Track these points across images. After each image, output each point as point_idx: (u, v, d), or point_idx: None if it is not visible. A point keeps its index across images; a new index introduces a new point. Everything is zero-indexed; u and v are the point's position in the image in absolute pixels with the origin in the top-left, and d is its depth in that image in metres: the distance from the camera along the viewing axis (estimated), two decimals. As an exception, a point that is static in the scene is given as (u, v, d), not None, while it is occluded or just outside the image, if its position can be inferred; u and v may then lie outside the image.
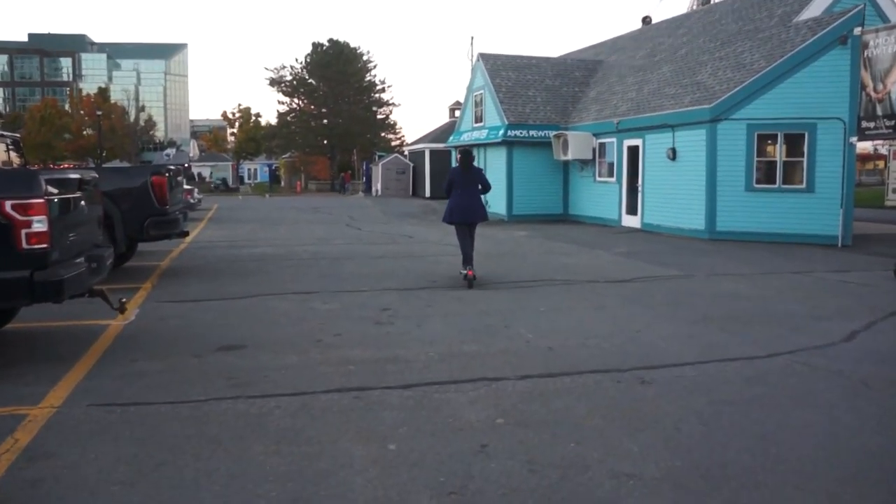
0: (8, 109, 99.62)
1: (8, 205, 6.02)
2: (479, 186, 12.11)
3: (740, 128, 18.14)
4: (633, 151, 22.05)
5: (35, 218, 6.10)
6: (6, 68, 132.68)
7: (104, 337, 7.83)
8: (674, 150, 19.79)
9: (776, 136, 17.99)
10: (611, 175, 23.30)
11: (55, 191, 6.55)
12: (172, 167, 13.12)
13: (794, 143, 17.97)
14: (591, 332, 8.02)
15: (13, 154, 12.22)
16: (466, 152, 12.44)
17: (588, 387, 5.96)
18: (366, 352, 7.14)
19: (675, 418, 5.22)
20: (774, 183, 18.06)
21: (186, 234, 13.61)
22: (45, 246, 6.17)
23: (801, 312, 9.33)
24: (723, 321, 8.63)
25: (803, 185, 17.81)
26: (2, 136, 12.55)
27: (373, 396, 5.72)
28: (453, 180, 12.08)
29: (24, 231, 6.05)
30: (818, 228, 17.57)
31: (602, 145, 23.80)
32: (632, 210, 22.18)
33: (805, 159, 17.75)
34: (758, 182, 18.18)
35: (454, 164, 29.99)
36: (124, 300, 7.57)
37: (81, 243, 7.20)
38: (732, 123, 18.18)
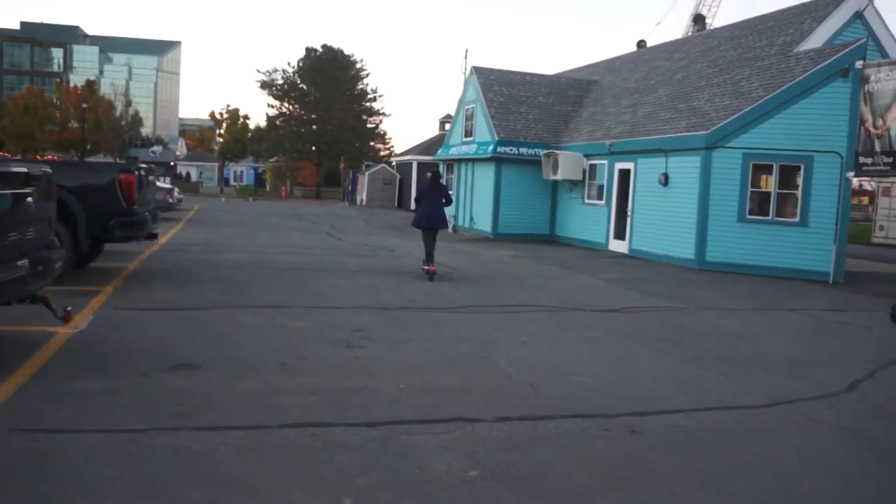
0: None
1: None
2: (444, 200, 14.48)
3: (736, 156, 17.70)
4: (625, 175, 21.58)
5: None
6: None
7: (47, 347, 7.16)
8: (666, 176, 19.33)
9: (772, 166, 17.55)
10: (600, 198, 22.81)
11: (-3, 185, 5.93)
12: (143, 165, 12.48)
13: (789, 175, 17.54)
14: (576, 368, 7.44)
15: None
16: (436, 173, 15.37)
17: (574, 435, 5.37)
18: (331, 379, 6.53)
19: (670, 480, 4.63)
20: (768, 215, 17.61)
21: (156, 236, 12.96)
22: None
23: (799, 355, 8.81)
24: (717, 362, 8.07)
25: (797, 219, 17.37)
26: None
27: (332, 435, 5.11)
28: (422, 193, 14.74)
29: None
30: (810, 264, 17.12)
31: (593, 167, 23.32)
32: (620, 235, 21.69)
33: (800, 192, 17.31)
34: (751, 213, 17.72)
35: (442, 175, 29.55)
36: (69, 308, 6.92)
37: (26, 244, 6.55)
38: (728, 151, 17.74)
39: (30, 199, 6.55)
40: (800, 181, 17.37)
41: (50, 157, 64.87)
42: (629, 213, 21.11)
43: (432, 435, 5.21)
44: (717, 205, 17.81)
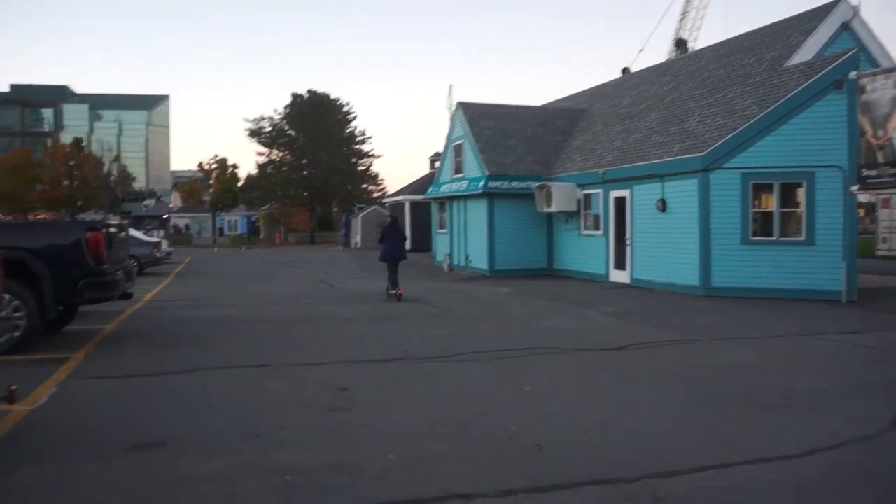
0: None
1: None
2: (402, 240, 18.60)
3: (734, 177, 17.10)
4: (621, 202, 20.96)
5: None
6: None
7: (-4, 429, 6.43)
8: (663, 201, 18.71)
9: (772, 185, 16.94)
10: (597, 228, 22.17)
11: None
12: (113, 222, 11.81)
13: (791, 193, 16.93)
14: (586, 420, 6.69)
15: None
16: (394, 218, 19.65)
17: (589, 509, 4.63)
18: (310, 453, 5.78)
19: (708, 564, 3.89)
20: (772, 235, 16.96)
21: (130, 296, 12.23)
22: None
23: (825, 388, 8.07)
24: (739, 402, 7.34)
25: (802, 237, 16.72)
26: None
27: (308, 528, 4.37)
28: (385, 234, 18.43)
29: None
30: (820, 283, 16.44)
31: (587, 196, 22.70)
32: (620, 264, 21.00)
33: (804, 210, 16.68)
34: (754, 234, 17.08)
35: (434, 214, 29.05)
36: (14, 387, 6.20)
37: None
38: (725, 172, 17.14)
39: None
40: (802, 198, 16.75)
41: (43, 216, 64.40)
42: (628, 242, 20.45)
43: (424, 520, 4.47)
44: (719, 228, 17.18)
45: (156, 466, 5.48)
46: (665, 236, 18.74)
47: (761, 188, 17.10)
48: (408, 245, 41.40)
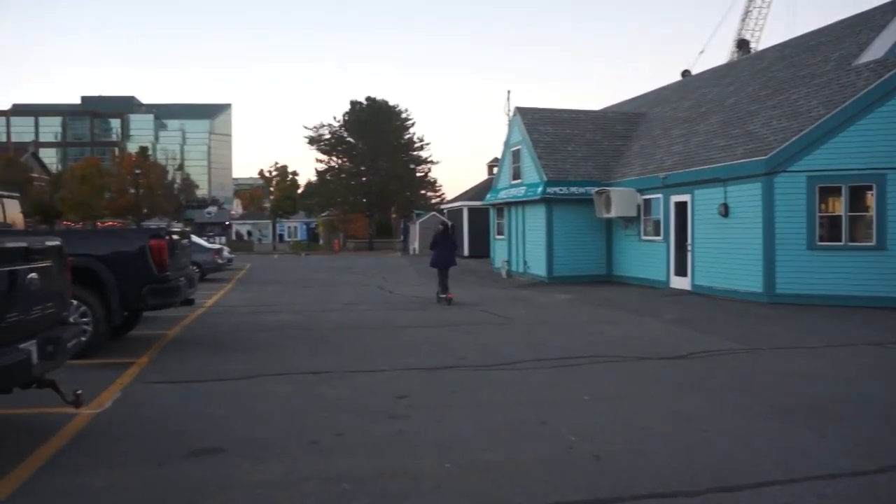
0: (59, 169, 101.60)
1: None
2: (453, 246, 19.23)
3: (799, 180, 16.66)
4: (681, 208, 20.62)
5: (-49, 299, 4.94)
6: (60, 129, 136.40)
7: (63, 432, 6.58)
8: (726, 206, 18.33)
9: (840, 188, 16.46)
10: (657, 233, 21.85)
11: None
12: (176, 229, 12.07)
13: (860, 196, 16.41)
14: (646, 430, 6.56)
15: (12, 213, 11.27)
16: (446, 225, 20.72)
17: (649, 524, 4.52)
18: (368, 460, 5.79)
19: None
20: (840, 240, 16.47)
21: (192, 302, 12.47)
22: None
23: (899, 400, 7.77)
24: (805, 414, 7.11)
25: (873, 242, 16.20)
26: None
27: (364, 537, 4.36)
28: (436, 241, 19.02)
29: (-66, 316, 4.88)
30: (891, 290, 15.90)
31: (647, 202, 22.40)
32: (681, 271, 20.64)
33: (874, 213, 16.16)
34: (821, 239, 16.61)
35: (492, 220, 29.04)
36: (80, 392, 6.32)
37: (30, 324, 6.01)
38: (790, 176, 16.72)
39: (33, 275, 6.03)
40: (872, 202, 16.22)
41: (111, 223, 66.29)
42: (689, 248, 20.10)
43: (481, 531, 4.42)
44: (784, 233, 16.75)
45: (213, 472, 5.54)
46: (727, 242, 18.36)
47: (828, 192, 16.63)
48: (465, 251, 41.80)
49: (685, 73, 37.40)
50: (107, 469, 5.63)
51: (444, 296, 18.24)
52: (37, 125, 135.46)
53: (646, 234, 22.56)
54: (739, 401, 7.69)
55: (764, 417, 7.00)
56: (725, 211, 18.31)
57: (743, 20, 65.24)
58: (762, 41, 63.14)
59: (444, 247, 18.83)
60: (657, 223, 21.90)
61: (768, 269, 16.92)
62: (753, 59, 25.60)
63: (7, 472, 5.50)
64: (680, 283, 20.61)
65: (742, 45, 55.86)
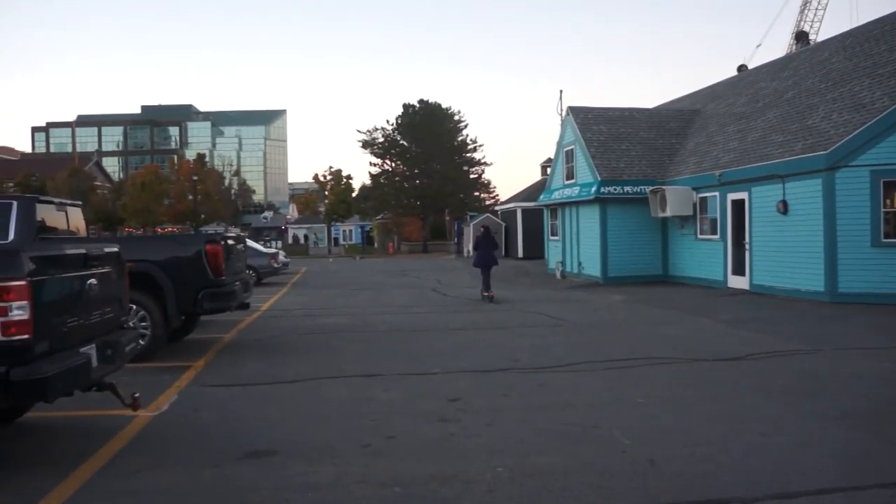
0: (121, 177, 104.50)
1: (-20, 288, 5.03)
2: (494, 247, 20.35)
3: (862, 175, 16.17)
4: (739, 205, 20.20)
5: (14, 303, 5.10)
6: (121, 139, 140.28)
7: (123, 433, 6.76)
8: (785, 203, 17.89)
9: (905, 183, 15.93)
10: (714, 232, 21.44)
11: (49, 269, 5.57)
12: (231, 234, 12.25)
13: (926, 192, 15.87)
14: (702, 434, 6.43)
15: (76, 221, 11.57)
16: (487, 227, 22.44)
17: (704, 531, 4.42)
18: (419, 464, 5.79)
19: None
20: (906, 237, 15.94)
21: (247, 306, 12.66)
22: (25, 337, 5.15)
23: (969, 403, 7.48)
24: (869, 418, 6.89)
25: (940, 239, 15.63)
26: (61, 204, 11.96)
27: (414, 542, 4.35)
28: (479, 243, 20.51)
29: (-1, 319, 5.04)
30: (961, 288, 15.33)
31: (703, 200, 22.00)
32: (738, 270, 20.23)
33: (942, 209, 15.61)
34: (886, 236, 16.09)
35: (546, 221, 28.84)
36: (137, 395, 6.47)
37: (90, 328, 6.17)
38: (853, 171, 16.24)
39: (92, 280, 6.18)
40: (940, 197, 15.67)
41: (171, 228, 67.79)
42: (747, 246, 19.68)
43: (532, 537, 4.38)
44: (846, 230, 16.27)
45: (267, 475, 5.60)
46: (787, 240, 17.92)
47: (894, 186, 16.10)
48: (520, 253, 41.74)
49: (741, 68, 36.67)
50: (164, 470, 5.74)
51: (486, 294, 19.47)
52: (100, 135, 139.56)
53: (702, 233, 22.17)
54: (800, 404, 7.49)
55: (826, 421, 6.80)
56: (784, 208, 17.88)
57: (801, 12, 63.67)
58: (822, 33, 61.67)
59: (485, 248, 20.11)
60: (714, 222, 21.50)
61: (830, 268, 16.47)
62: (813, 51, 24.94)
63: (68, 472, 5.66)
64: (738, 282, 20.19)
65: (801, 37, 54.62)
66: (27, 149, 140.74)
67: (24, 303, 5.13)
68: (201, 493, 5.24)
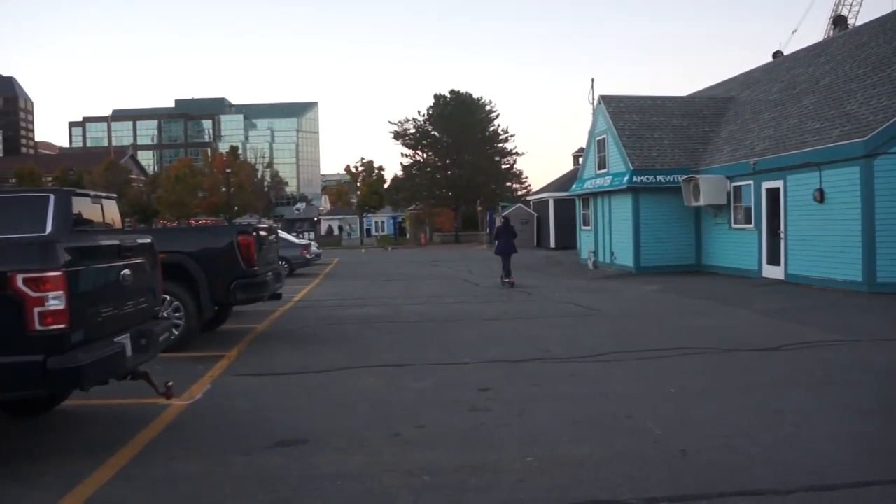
0: (156, 170, 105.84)
1: (19, 279, 5.12)
2: (513, 236, 21.48)
3: (902, 163, 15.84)
4: (773, 194, 19.91)
5: (50, 294, 5.19)
6: (156, 132, 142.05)
7: (158, 421, 6.86)
8: (821, 191, 17.59)
9: (947, 171, 15.57)
10: (748, 221, 21.17)
11: (84, 260, 5.65)
12: (263, 225, 12.34)
13: (969, 179, 15.50)
14: (735, 425, 6.35)
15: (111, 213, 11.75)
16: (506, 218, 24.00)
17: (736, 522, 4.36)
18: (449, 454, 5.79)
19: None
20: (948, 225, 15.59)
21: (279, 296, 12.75)
22: (62, 326, 5.23)
23: None
24: (908, 408, 6.77)
25: (984, 227, 15.27)
26: (97, 196, 12.13)
27: (444, 531, 4.36)
28: (499, 233, 21.83)
29: (36, 309, 5.13)
30: None
31: (737, 189, 21.72)
32: (773, 259, 19.95)
33: (985, 196, 15.24)
34: (926, 224, 15.75)
35: (578, 211, 28.66)
36: (171, 384, 6.55)
37: (123, 318, 6.25)
38: (892, 158, 15.92)
39: (126, 271, 6.26)
40: (983, 184, 15.30)
41: (204, 220, 68.53)
42: (782, 236, 19.40)
43: (561, 527, 4.36)
44: (885, 218, 15.95)
45: (297, 463, 5.65)
46: (823, 229, 17.62)
47: (934, 174, 15.76)
48: (552, 243, 41.83)
49: (777, 55, 36.04)
50: (197, 458, 5.81)
51: (507, 280, 20.78)
52: (135, 129, 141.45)
53: (736, 222, 21.90)
54: (836, 395, 7.37)
55: (862, 414, 6.69)
56: (821, 196, 17.59)
57: (839, -4, 62.50)
58: (861, 17, 60.44)
59: (505, 237, 21.37)
60: (748, 210, 21.22)
61: (868, 257, 16.16)
62: (851, 36, 24.45)
63: (104, 459, 5.75)
64: (772, 272, 19.92)
65: (839, 21, 53.64)
66: (65, 143, 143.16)
67: (59, 293, 5.22)
68: (233, 480, 5.30)
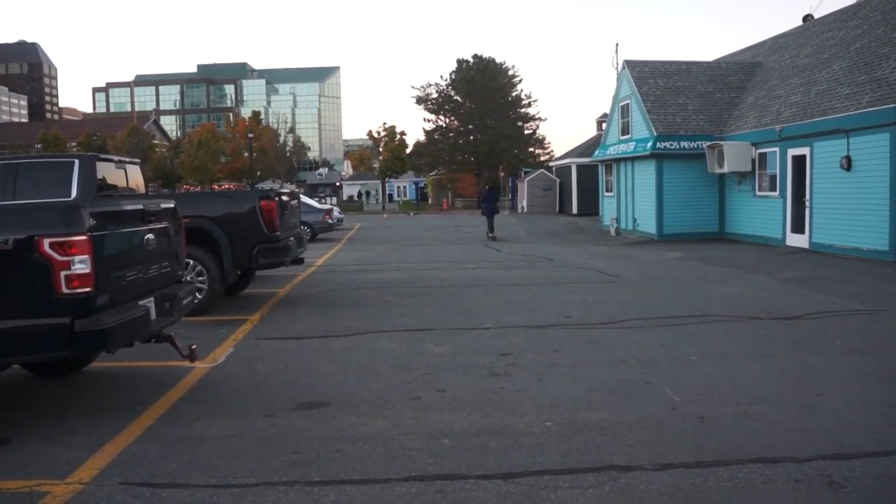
0: (178, 136, 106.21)
1: (46, 243, 5.21)
2: (496, 200, 27.09)
3: (934, 130, 15.55)
4: (799, 161, 19.65)
5: (77, 258, 5.27)
6: (178, 97, 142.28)
7: (182, 384, 6.97)
8: (849, 159, 17.34)
9: (979, 138, 15.28)
10: (773, 189, 20.93)
11: (108, 225, 5.72)
12: (286, 191, 12.38)
13: None
14: (754, 392, 6.35)
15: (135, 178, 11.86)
16: (492, 186, 32.34)
17: (754, 489, 4.37)
18: (469, 417, 5.86)
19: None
20: (977, 194, 15.34)
21: (302, 261, 12.84)
22: (88, 290, 5.33)
23: None
24: (931, 378, 6.73)
25: None
26: (121, 161, 12.24)
27: (461, 492, 4.41)
28: (485, 197, 28.47)
29: (63, 273, 5.23)
30: None
31: (762, 156, 21.46)
32: (798, 227, 19.75)
33: None
34: (955, 193, 15.50)
35: (601, 177, 28.55)
36: (194, 346, 6.65)
37: (147, 282, 6.34)
38: (923, 126, 15.62)
39: (150, 235, 6.33)
40: None
41: (227, 186, 68.87)
42: (807, 204, 19.18)
43: (578, 489, 4.41)
44: (913, 187, 15.70)
45: (319, 425, 5.73)
46: (850, 197, 17.39)
47: (965, 142, 15.47)
48: (574, 209, 42.08)
49: (807, 18, 35.28)
50: (220, 419, 5.91)
51: (491, 234, 26.34)
52: (157, 94, 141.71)
53: (760, 190, 21.67)
54: (858, 364, 7.33)
55: (884, 383, 6.65)
56: (848, 164, 17.34)
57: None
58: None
59: (489, 200, 27.46)
60: (773, 178, 20.98)
61: (895, 226, 15.96)
62: None
63: (131, 419, 5.88)
64: (797, 240, 19.73)
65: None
66: (88, 109, 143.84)
67: (85, 257, 5.30)
68: (256, 441, 5.39)
